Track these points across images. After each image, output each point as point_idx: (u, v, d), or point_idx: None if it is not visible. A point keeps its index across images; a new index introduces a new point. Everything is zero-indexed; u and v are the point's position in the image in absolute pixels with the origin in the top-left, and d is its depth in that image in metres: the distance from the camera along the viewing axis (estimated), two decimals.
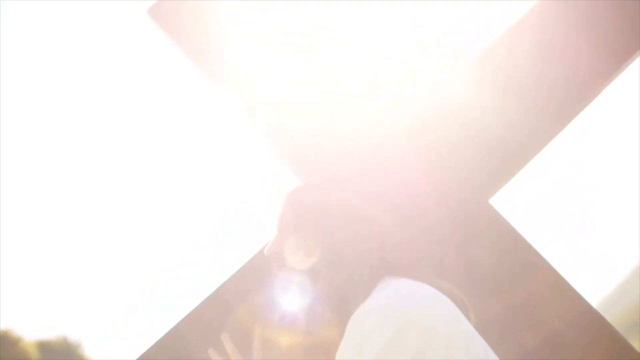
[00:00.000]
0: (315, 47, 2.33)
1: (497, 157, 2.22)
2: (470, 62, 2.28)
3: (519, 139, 2.22)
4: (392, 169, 2.20)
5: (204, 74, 2.38)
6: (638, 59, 2.29)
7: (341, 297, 1.78)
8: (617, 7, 2.27)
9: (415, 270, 1.82)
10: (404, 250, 1.85)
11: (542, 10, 2.29)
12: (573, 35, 2.26)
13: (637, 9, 2.26)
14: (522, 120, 2.24)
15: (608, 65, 2.24)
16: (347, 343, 1.66)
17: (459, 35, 2.46)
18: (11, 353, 13.01)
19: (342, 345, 1.67)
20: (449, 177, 2.20)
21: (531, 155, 2.24)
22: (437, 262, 2.12)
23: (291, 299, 1.84)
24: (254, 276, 2.16)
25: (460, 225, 2.17)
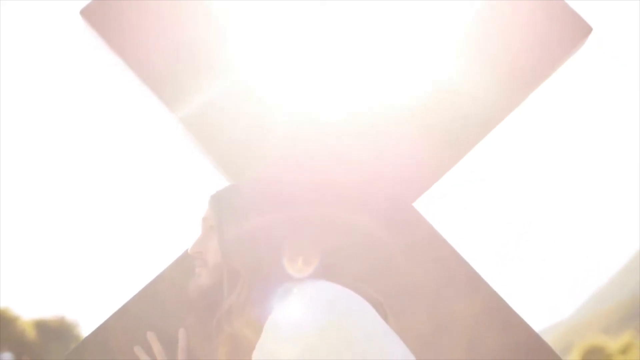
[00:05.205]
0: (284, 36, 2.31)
1: (421, 158, 2.19)
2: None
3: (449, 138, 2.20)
4: (317, 169, 2.19)
5: (137, 77, 2.35)
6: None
7: (259, 297, 1.79)
8: None
9: (333, 273, 1.83)
10: (323, 252, 1.85)
11: None
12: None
13: None
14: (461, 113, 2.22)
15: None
16: (264, 342, 1.68)
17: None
18: (8, 331, 13.12)
19: (260, 344, 1.70)
20: (373, 178, 2.18)
21: (455, 160, 2.20)
22: (360, 265, 2.11)
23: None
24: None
25: (384, 228, 2.15)
